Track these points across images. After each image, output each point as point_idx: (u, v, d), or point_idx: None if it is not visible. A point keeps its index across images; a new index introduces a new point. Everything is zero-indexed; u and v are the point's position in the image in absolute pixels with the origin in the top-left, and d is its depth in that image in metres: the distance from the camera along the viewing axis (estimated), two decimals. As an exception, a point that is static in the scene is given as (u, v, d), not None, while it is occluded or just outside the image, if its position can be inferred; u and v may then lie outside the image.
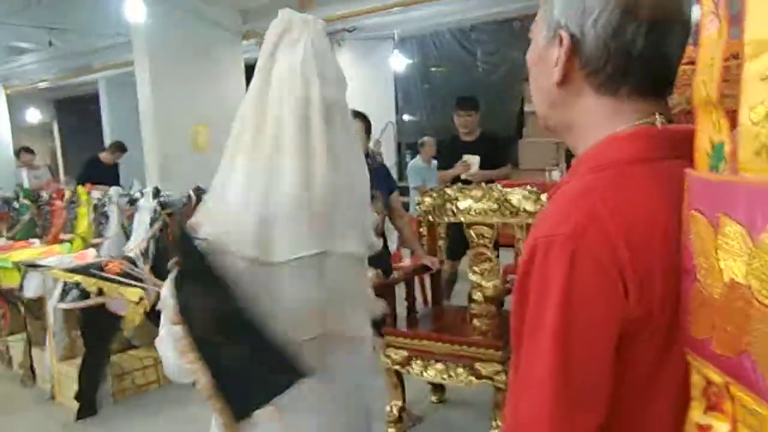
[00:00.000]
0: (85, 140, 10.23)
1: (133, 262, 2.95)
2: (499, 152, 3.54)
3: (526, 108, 8.10)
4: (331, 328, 1.13)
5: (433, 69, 9.10)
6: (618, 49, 0.59)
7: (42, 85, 9.37)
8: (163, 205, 3.28)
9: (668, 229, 0.54)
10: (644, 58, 0.59)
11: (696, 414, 0.48)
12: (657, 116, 0.60)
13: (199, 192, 3.28)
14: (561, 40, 0.61)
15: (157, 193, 3.37)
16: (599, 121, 0.62)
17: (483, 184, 2.45)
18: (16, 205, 4.48)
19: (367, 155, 2.68)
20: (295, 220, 1.04)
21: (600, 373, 0.55)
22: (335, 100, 1.10)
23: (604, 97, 0.62)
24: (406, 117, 9.52)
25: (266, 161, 1.05)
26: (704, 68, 0.46)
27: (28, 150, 7.56)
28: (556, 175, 5.81)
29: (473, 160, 3.37)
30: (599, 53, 0.59)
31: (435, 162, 4.66)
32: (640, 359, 0.56)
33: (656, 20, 0.58)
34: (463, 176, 3.35)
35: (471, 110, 3.48)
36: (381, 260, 2.55)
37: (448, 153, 3.57)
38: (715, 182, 0.45)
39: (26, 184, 6.41)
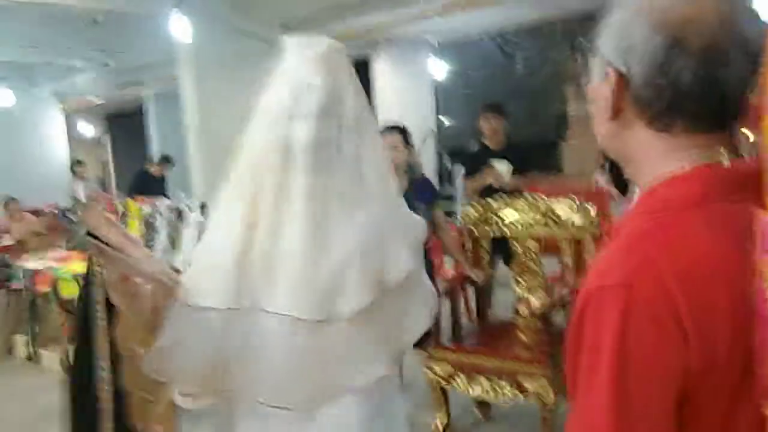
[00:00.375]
0: (134, 153, 10.61)
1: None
2: (527, 160, 3.47)
3: (570, 110, 7.86)
4: (242, 391, 1.01)
5: (473, 73, 9.02)
6: (666, 84, 0.56)
7: (94, 100, 9.81)
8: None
9: (731, 276, 0.51)
10: (696, 92, 0.56)
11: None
12: (722, 152, 0.57)
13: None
14: (610, 77, 0.60)
15: (203, 207, 3.45)
16: (655, 156, 0.60)
17: (528, 196, 2.40)
18: (72, 217, 4.70)
19: (408, 168, 2.67)
20: (222, 267, 0.99)
21: (659, 429, 0.53)
22: (314, 138, 0.97)
23: (658, 132, 0.59)
24: (446, 123, 9.46)
25: (226, 203, 1.05)
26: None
27: (80, 162, 7.90)
28: (602, 181, 5.61)
29: (502, 168, 3.31)
30: (647, 89, 0.57)
31: None
32: (707, 412, 0.53)
33: (707, 51, 0.54)
34: (494, 185, 3.29)
35: (497, 113, 3.46)
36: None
37: (475, 162, 3.52)
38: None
39: (81, 196, 6.69)
